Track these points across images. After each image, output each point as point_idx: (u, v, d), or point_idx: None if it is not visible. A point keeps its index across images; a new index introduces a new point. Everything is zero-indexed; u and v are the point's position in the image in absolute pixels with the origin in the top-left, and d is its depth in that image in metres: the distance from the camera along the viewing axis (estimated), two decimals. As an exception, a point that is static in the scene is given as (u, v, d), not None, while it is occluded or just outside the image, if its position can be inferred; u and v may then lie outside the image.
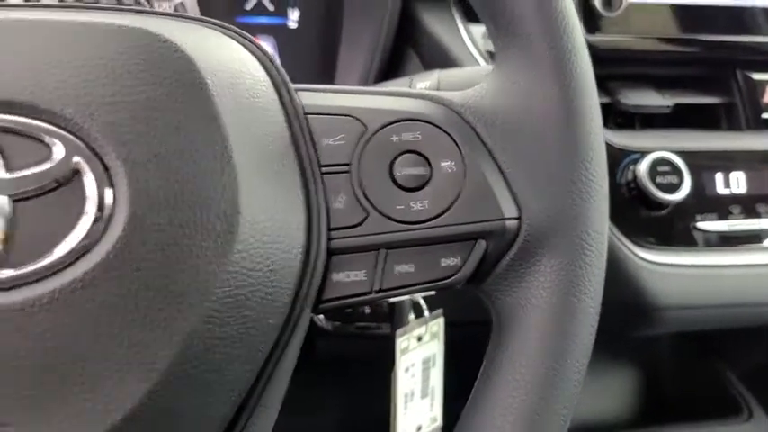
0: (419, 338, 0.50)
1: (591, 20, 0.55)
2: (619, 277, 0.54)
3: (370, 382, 0.55)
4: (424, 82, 0.44)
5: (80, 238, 0.25)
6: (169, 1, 0.64)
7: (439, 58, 0.54)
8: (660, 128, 0.58)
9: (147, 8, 0.31)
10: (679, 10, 0.57)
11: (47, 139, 0.25)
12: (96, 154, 0.25)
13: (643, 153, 0.54)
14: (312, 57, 0.65)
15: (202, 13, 0.64)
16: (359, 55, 0.57)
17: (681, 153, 0.54)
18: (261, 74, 0.30)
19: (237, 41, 0.30)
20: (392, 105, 0.32)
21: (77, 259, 0.25)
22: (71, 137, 0.25)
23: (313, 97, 0.32)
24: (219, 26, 0.31)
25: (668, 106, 0.58)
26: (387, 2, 0.55)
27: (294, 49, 0.66)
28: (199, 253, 0.26)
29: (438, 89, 0.44)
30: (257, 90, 0.29)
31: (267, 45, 0.66)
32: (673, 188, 0.53)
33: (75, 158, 0.25)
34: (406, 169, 0.31)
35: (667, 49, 0.58)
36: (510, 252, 0.31)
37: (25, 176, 0.25)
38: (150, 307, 0.25)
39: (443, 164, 0.31)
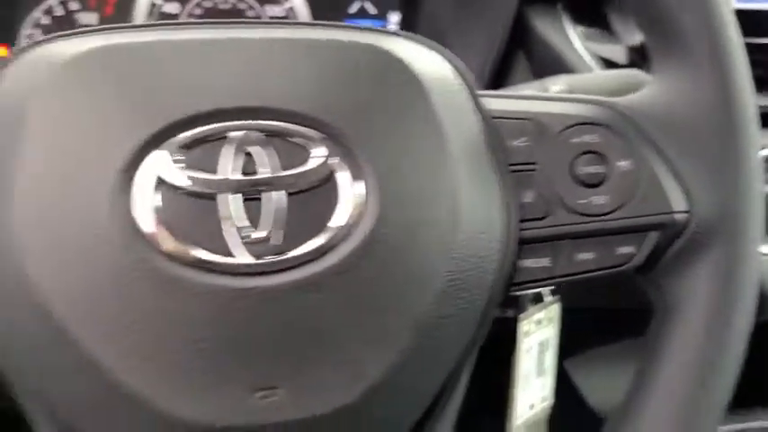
0: (538, 322, 0.54)
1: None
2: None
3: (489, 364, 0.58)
4: (557, 86, 0.47)
5: (337, 229, 0.28)
6: (280, 5, 0.68)
7: (549, 62, 0.58)
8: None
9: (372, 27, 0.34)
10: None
11: (307, 143, 0.29)
12: (349, 156, 0.29)
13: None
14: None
15: (314, 17, 0.68)
16: (471, 59, 0.60)
17: None
18: (459, 81, 0.34)
19: (440, 53, 0.34)
20: (569, 110, 0.35)
21: (333, 250, 0.28)
22: (329, 141, 0.29)
23: (496, 103, 0.35)
24: (423, 41, 0.34)
25: None
26: (501, 9, 0.59)
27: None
28: (431, 242, 0.30)
29: (570, 91, 0.47)
30: (459, 97, 0.33)
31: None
32: None
33: (333, 159, 0.29)
34: (587, 168, 0.35)
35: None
36: (678, 242, 0.35)
37: (295, 174, 0.28)
38: (393, 289, 0.29)
39: (620, 163, 0.35)
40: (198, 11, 0.67)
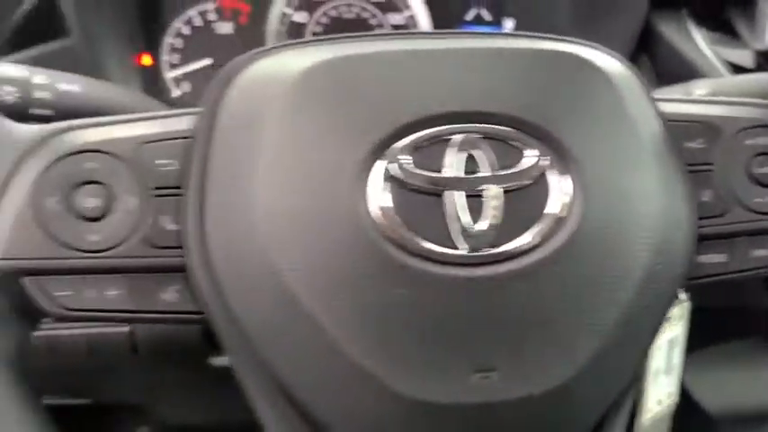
0: (669, 320, 0.55)
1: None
2: None
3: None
4: (701, 90, 0.49)
5: (547, 225, 0.31)
6: (401, 13, 0.71)
7: (675, 65, 0.59)
8: None
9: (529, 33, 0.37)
10: None
11: (520, 144, 0.31)
12: (558, 156, 0.31)
13: None
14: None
15: (433, 24, 0.71)
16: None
17: None
18: (641, 86, 0.36)
19: (620, 60, 0.36)
20: (741, 113, 0.37)
21: (544, 243, 0.31)
22: (540, 142, 0.31)
23: (669, 106, 0.37)
24: (603, 49, 0.36)
25: None
26: (627, 14, 0.60)
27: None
28: (631, 236, 0.32)
29: (714, 93, 0.49)
30: (644, 100, 0.35)
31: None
32: None
33: (543, 161, 0.31)
34: (762, 168, 0.36)
35: None
36: None
37: (512, 173, 0.31)
38: (599, 279, 0.31)
39: None
40: (324, 20, 0.70)
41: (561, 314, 0.31)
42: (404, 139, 0.31)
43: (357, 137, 0.31)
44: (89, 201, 0.32)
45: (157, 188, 0.32)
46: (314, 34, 0.70)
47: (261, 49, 0.34)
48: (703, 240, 0.36)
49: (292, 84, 0.32)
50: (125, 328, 0.57)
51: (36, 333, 0.35)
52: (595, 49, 0.36)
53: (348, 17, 0.71)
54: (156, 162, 0.33)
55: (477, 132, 0.31)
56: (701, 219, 0.36)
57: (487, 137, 0.31)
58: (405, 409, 0.31)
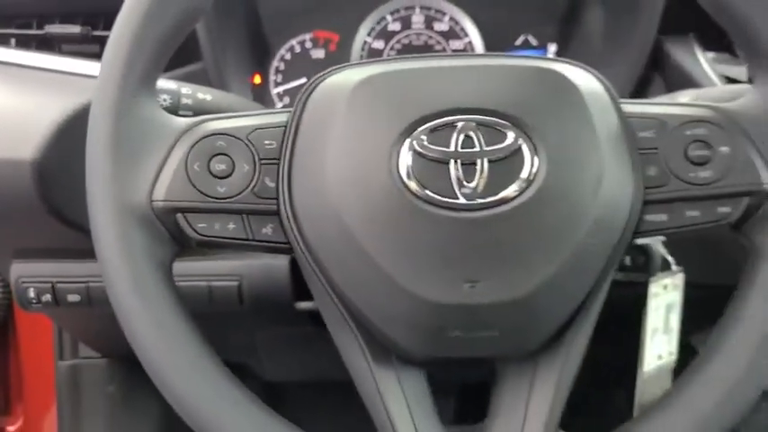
0: (665, 287, 0.67)
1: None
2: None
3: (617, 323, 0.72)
4: (686, 96, 0.61)
5: (520, 184, 0.45)
6: (461, 40, 0.86)
7: (681, 79, 0.72)
8: None
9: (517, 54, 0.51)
10: None
11: (504, 129, 0.46)
12: (530, 138, 0.46)
13: None
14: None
15: (487, 48, 0.86)
16: (615, 80, 0.75)
17: None
18: (602, 89, 0.49)
19: (592, 74, 0.50)
20: (685, 112, 0.50)
21: (517, 196, 0.45)
22: (517, 128, 0.46)
23: (630, 106, 0.50)
24: (582, 66, 0.50)
25: None
26: (640, 40, 0.73)
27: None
28: (583, 194, 0.46)
29: (696, 100, 0.61)
30: (605, 102, 0.49)
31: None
32: None
33: (519, 141, 0.46)
34: (697, 151, 0.49)
35: None
36: (764, 205, 0.48)
37: (494, 149, 0.46)
38: (557, 222, 0.45)
39: (722, 148, 0.48)
40: (398, 46, 0.86)
41: (528, 246, 0.45)
42: (423, 126, 0.46)
43: (391, 124, 0.46)
44: (219, 166, 0.48)
45: (263, 159, 0.49)
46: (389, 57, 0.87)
47: (333, 68, 0.51)
48: (649, 204, 0.49)
49: (350, 91, 0.47)
50: (234, 283, 0.75)
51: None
52: (572, 65, 0.50)
53: (417, 44, 0.87)
54: (264, 142, 0.49)
55: (474, 122, 0.46)
56: (647, 188, 0.49)
57: (481, 124, 0.46)
58: (418, 305, 0.46)
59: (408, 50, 0.87)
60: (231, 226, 0.49)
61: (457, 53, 0.51)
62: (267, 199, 0.48)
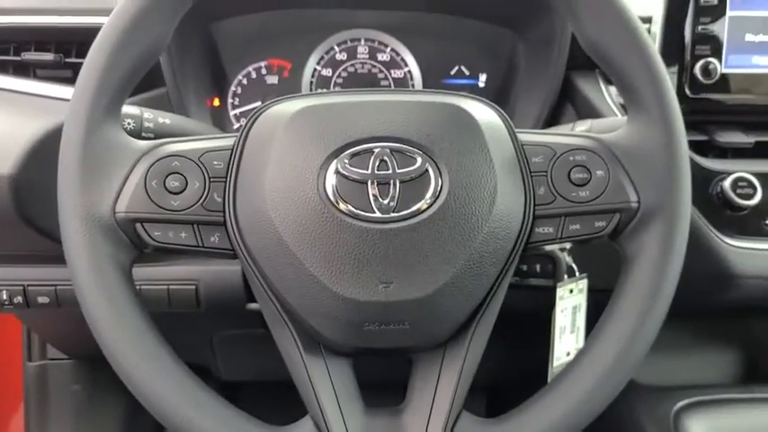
0: (570, 291, 0.77)
1: (694, 84, 0.80)
2: (710, 256, 0.79)
3: (528, 324, 0.82)
4: (583, 126, 0.71)
5: (426, 201, 0.54)
6: (401, 69, 0.96)
7: (587, 108, 0.82)
8: (746, 158, 0.83)
9: (438, 90, 0.61)
10: (758, 78, 0.82)
11: (414, 155, 0.55)
12: (435, 163, 0.55)
13: (729, 173, 0.79)
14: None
15: (425, 77, 0.95)
16: (533, 107, 0.86)
17: (756, 174, 0.79)
18: (500, 122, 0.59)
19: (492, 107, 0.59)
20: (570, 141, 0.59)
21: (424, 211, 0.54)
22: (424, 154, 0.55)
23: (525, 136, 0.60)
24: (483, 100, 0.60)
25: (750, 143, 0.82)
26: (553, 73, 0.84)
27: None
28: (479, 210, 0.55)
29: (590, 130, 0.71)
30: (502, 132, 0.58)
31: (463, 98, 0.96)
32: (749, 197, 0.77)
33: (426, 165, 0.55)
34: (577, 174, 0.58)
35: (751, 103, 0.83)
36: (634, 219, 0.58)
37: (404, 172, 0.54)
38: (456, 233, 0.54)
39: (598, 172, 0.58)
40: (344, 74, 0.95)
41: (432, 253, 0.54)
42: (346, 151, 0.55)
43: (319, 150, 0.55)
44: (174, 183, 0.56)
45: (212, 177, 0.57)
46: (336, 85, 0.96)
47: (273, 99, 0.59)
48: (538, 218, 0.58)
49: (286, 121, 0.56)
50: (192, 286, 0.83)
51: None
52: (476, 101, 0.59)
53: (362, 72, 0.96)
54: (213, 162, 0.57)
55: (388, 148, 0.55)
56: (537, 205, 0.58)
57: (394, 151, 0.55)
58: (340, 303, 0.54)
59: (354, 78, 0.95)
60: (183, 234, 0.57)
61: (380, 89, 0.60)
62: (215, 211, 0.57)
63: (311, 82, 0.95)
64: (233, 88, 0.95)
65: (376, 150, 0.55)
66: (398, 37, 0.95)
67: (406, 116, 0.56)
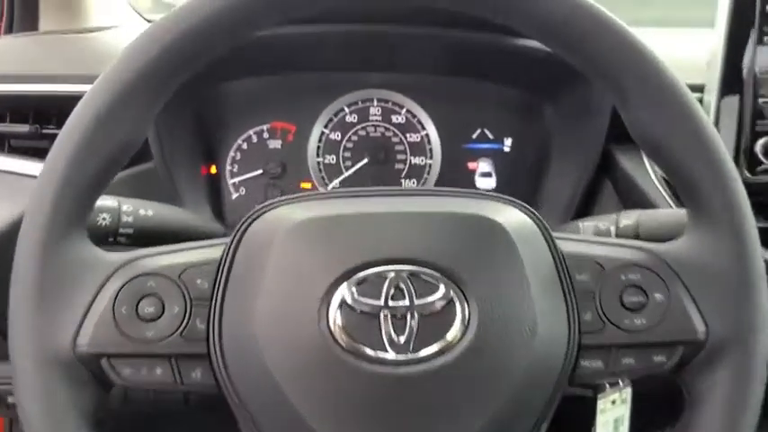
0: (613, 402, 0.67)
1: (752, 163, 0.70)
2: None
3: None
4: (629, 219, 0.61)
5: (450, 339, 0.44)
6: (418, 133, 0.86)
7: (629, 187, 0.72)
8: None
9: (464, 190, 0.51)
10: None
11: (435, 281, 0.45)
12: (462, 291, 0.45)
13: None
14: (523, 175, 0.85)
15: (444, 141, 0.86)
16: (566, 181, 0.76)
17: None
18: (536, 229, 0.49)
19: (517, 207, 0.50)
20: (621, 254, 0.50)
21: (448, 351, 0.44)
22: (448, 280, 0.45)
23: (566, 245, 0.50)
24: (513, 202, 0.50)
25: None
26: (591, 145, 0.74)
27: (508, 169, 0.86)
28: (514, 348, 0.45)
29: (638, 225, 0.61)
30: (537, 242, 0.49)
31: (486, 165, 0.87)
32: None
33: (451, 293, 0.45)
34: (631, 297, 0.49)
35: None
36: (701, 353, 0.48)
37: (424, 303, 0.45)
38: (486, 379, 0.45)
39: (656, 295, 0.48)
40: (355, 138, 0.87)
41: (459, 402, 0.45)
42: (354, 276, 0.46)
43: (322, 275, 0.45)
44: (148, 309, 0.47)
45: (194, 299, 0.48)
46: (345, 149, 0.87)
47: (268, 203, 0.50)
48: (584, 349, 0.49)
49: (284, 235, 0.47)
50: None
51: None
52: (504, 203, 0.50)
53: (374, 136, 0.87)
54: (196, 281, 0.48)
55: (404, 272, 0.46)
56: (583, 333, 0.49)
57: (412, 275, 0.46)
58: None
59: (365, 143, 0.87)
60: (159, 371, 0.47)
61: (393, 189, 0.51)
62: (196, 341, 0.47)
63: (318, 147, 0.86)
64: (231, 154, 0.86)
65: (390, 275, 0.45)
66: (414, 97, 0.86)
67: (426, 233, 0.47)
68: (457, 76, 0.83)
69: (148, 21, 1.15)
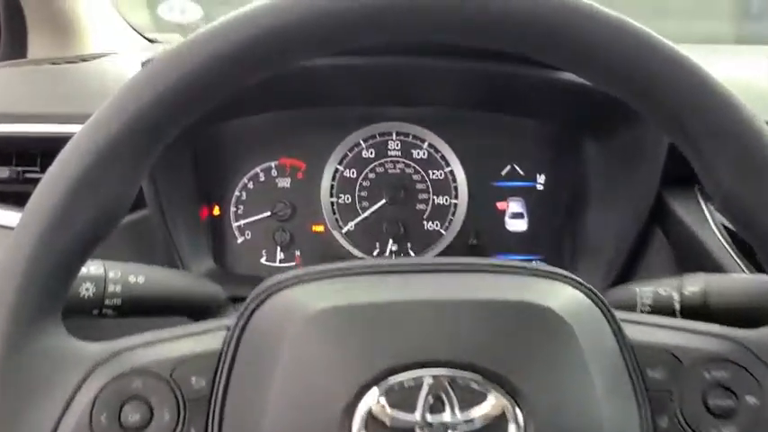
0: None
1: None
2: None
3: None
4: (694, 285, 0.53)
5: None
6: (441, 169, 0.78)
7: (683, 237, 0.63)
8: None
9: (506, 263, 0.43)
10: None
11: (483, 389, 0.37)
12: (515, 401, 0.37)
13: None
14: (558, 217, 0.76)
15: (470, 179, 0.78)
16: (611, 230, 0.67)
17: None
18: (597, 312, 0.41)
19: (575, 286, 0.41)
20: (703, 345, 0.41)
21: None
22: (499, 386, 0.37)
23: (634, 330, 0.42)
24: (564, 277, 0.42)
25: None
26: (642, 191, 0.65)
27: (541, 209, 0.78)
28: None
29: (706, 294, 0.53)
30: (600, 330, 0.40)
31: (517, 205, 0.79)
32: None
33: (502, 404, 0.37)
34: (718, 401, 0.40)
35: None
36: None
37: (471, 419, 0.37)
38: None
39: (749, 398, 0.40)
40: (372, 175, 0.78)
41: None
42: (384, 382, 0.37)
43: (346, 379, 0.37)
44: (133, 417, 0.39)
45: (189, 401, 0.40)
46: (362, 188, 0.79)
47: (279, 280, 0.42)
48: None
49: (300, 328, 0.39)
50: None
51: None
52: (559, 281, 0.41)
53: (393, 173, 0.79)
54: (191, 380, 0.40)
55: (444, 377, 0.37)
56: None
57: (453, 382, 0.37)
58: None
59: (383, 180, 0.79)
60: None
61: (426, 263, 0.43)
62: None
63: (332, 186, 0.78)
64: (236, 194, 0.78)
65: (428, 382, 0.37)
66: (437, 130, 0.78)
67: (469, 327, 0.39)
68: (487, 111, 0.75)
69: (149, 40, 1.08)
